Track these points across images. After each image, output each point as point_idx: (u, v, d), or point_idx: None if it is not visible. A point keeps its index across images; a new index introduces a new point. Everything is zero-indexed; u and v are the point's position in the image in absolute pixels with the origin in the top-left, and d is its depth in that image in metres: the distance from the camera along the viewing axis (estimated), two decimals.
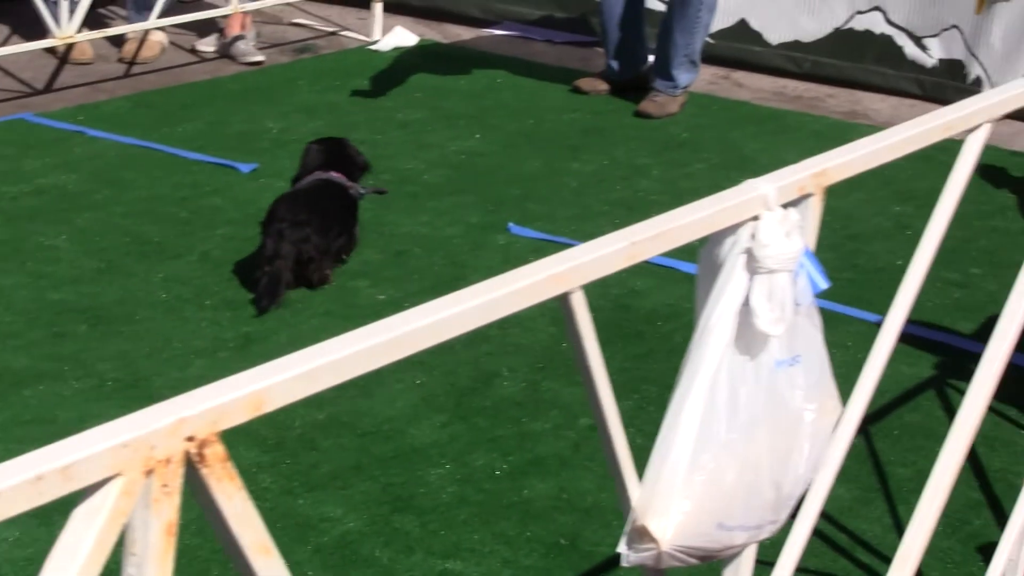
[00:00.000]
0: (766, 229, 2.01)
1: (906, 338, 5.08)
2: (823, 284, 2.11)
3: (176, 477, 1.42)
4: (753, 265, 2.02)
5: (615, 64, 7.69)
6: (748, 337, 2.06)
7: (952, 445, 2.67)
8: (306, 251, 5.28)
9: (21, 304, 5.12)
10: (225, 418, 1.46)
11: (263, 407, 1.49)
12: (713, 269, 2.06)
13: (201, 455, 1.44)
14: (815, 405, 2.17)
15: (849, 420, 2.36)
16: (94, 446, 1.35)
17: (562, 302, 1.82)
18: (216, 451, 1.46)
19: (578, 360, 1.92)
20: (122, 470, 1.37)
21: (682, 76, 7.48)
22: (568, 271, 1.78)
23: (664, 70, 7.48)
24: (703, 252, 2.10)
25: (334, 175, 5.70)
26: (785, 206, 2.06)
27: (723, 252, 2.05)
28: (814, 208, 2.14)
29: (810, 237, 2.14)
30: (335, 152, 5.84)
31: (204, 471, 1.45)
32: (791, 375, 2.12)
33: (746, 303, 2.04)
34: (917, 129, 2.29)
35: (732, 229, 2.02)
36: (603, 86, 7.72)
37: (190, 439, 1.43)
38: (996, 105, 2.43)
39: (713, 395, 2.05)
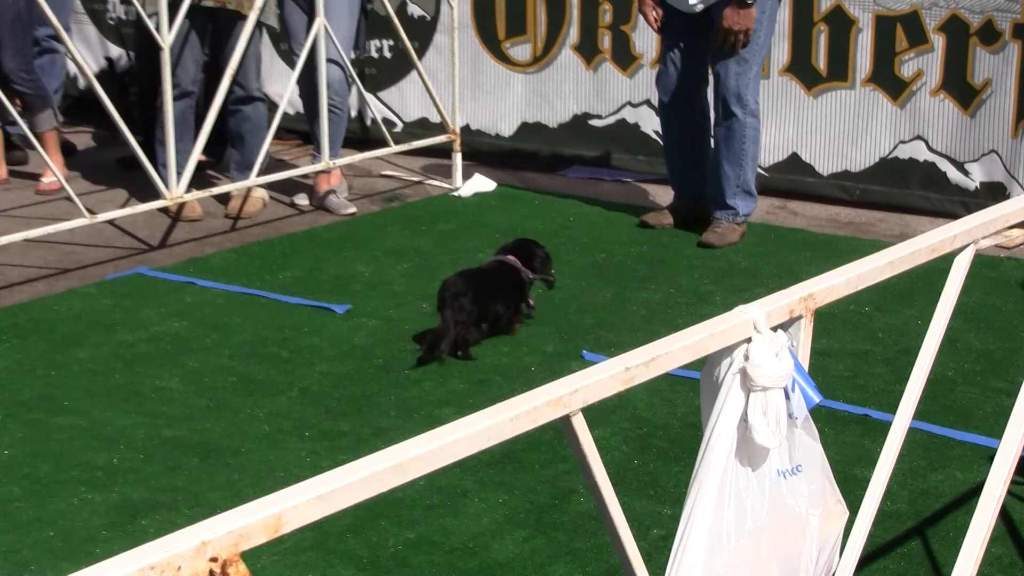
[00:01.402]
0: (757, 350, 2.04)
1: (959, 446, 5.10)
2: (816, 399, 2.13)
3: None
4: (748, 383, 2.05)
5: (679, 198, 7.73)
6: (749, 450, 2.08)
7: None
8: (460, 318, 5.92)
9: (139, 441, 5.19)
10: (245, 539, 1.50)
11: (281, 528, 1.53)
12: (713, 388, 2.09)
13: (225, 574, 1.48)
14: (819, 511, 2.18)
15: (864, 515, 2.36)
16: (123, 568, 1.40)
17: (563, 425, 1.85)
18: (239, 570, 1.49)
19: (585, 477, 1.94)
20: None
21: (740, 205, 7.50)
22: (567, 395, 1.81)
23: (719, 201, 7.51)
24: (704, 373, 2.13)
25: (510, 258, 6.35)
26: (777, 328, 2.09)
27: (721, 372, 2.08)
28: (805, 329, 2.16)
29: (803, 355, 2.17)
30: (521, 246, 6.50)
31: None
32: (793, 484, 2.14)
33: (744, 419, 2.06)
34: (903, 252, 2.31)
35: (728, 351, 2.05)
36: (668, 220, 7.75)
37: (213, 559, 1.46)
38: (978, 228, 2.44)
39: (720, 505, 2.07)
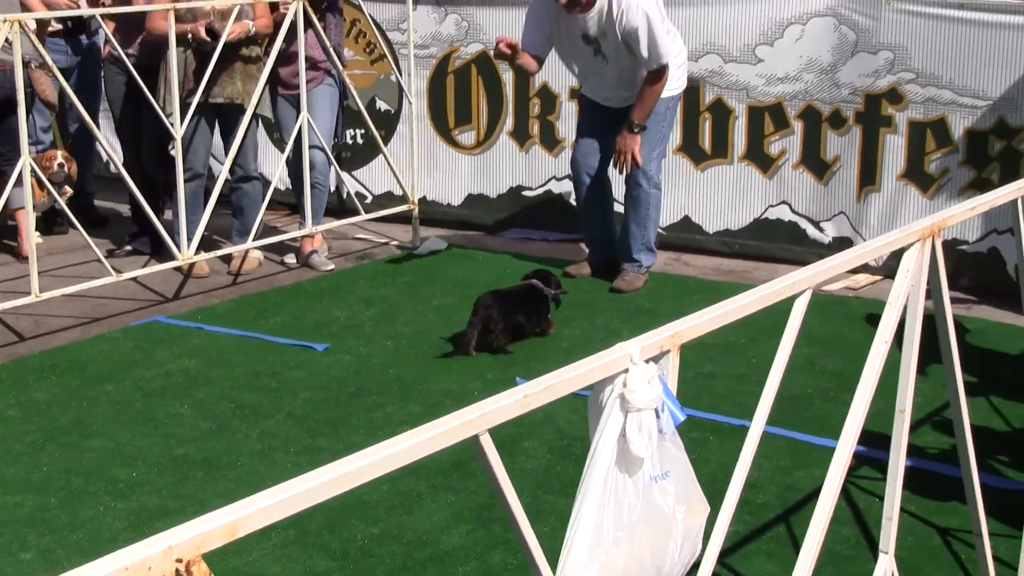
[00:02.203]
0: (633, 379, 2.03)
1: (817, 449, 5.11)
2: (681, 417, 2.12)
3: None
4: (626, 406, 2.04)
5: (594, 253, 7.73)
6: (626, 459, 2.07)
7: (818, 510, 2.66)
8: (489, 324, 6.33)
9: (154, 458, 5.14)
10: (206, 543, 1.47)
11: (237, 533, 1.50)
12: (598, 409, 2.08)
13: (188, 572, 1.45)
14: (684, 508, 2.17)
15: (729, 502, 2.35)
16: (101, 570, 1.37)
17: (473, 442, 1.83)
18: (201, 568, 1.46)
19: (493, 484, 1.92)
20: None
21: (644, 259, 7.52)
22: (477, 418, 1.79)
23: (628, 255, 7.52)
24: (591, 397, 2.12)
25: (534, 281, 6.74)
26: (650, 360, 2.08)
27: (604, 397, 2.07)
28: (673, 360, 2.15)
29: (671, 382, 2.16)
30: (540, 273, 6.89)
31: None
32: (663, 487, 2.13)
33: (623, 434, 2.05)
34: (752, 297, 2.30)
35: (609, 380, 2.04)
36: (586, 270, 7.74)
37: (179, 560, 1.44)
38: (815, 275, 2.44)
39: (602, 504, 2.05)
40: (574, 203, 8.36)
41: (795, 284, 2.41)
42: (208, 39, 7.25)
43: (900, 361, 3.18)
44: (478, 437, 1.81)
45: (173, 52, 7.00)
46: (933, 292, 2.99)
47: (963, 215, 2.94)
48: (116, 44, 7.26)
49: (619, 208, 7.83)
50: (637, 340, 2.09)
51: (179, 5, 7.13)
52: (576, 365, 1.99)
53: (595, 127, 7.51)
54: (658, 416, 2.08)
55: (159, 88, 7.42)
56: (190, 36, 7.30)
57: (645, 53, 7.03)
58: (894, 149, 7.51)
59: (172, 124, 7.09)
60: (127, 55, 7.25)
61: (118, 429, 5.44)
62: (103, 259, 6.94)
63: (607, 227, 7.68)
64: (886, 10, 7.40)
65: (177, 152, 7.16)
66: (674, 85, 7.34)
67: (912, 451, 5.15)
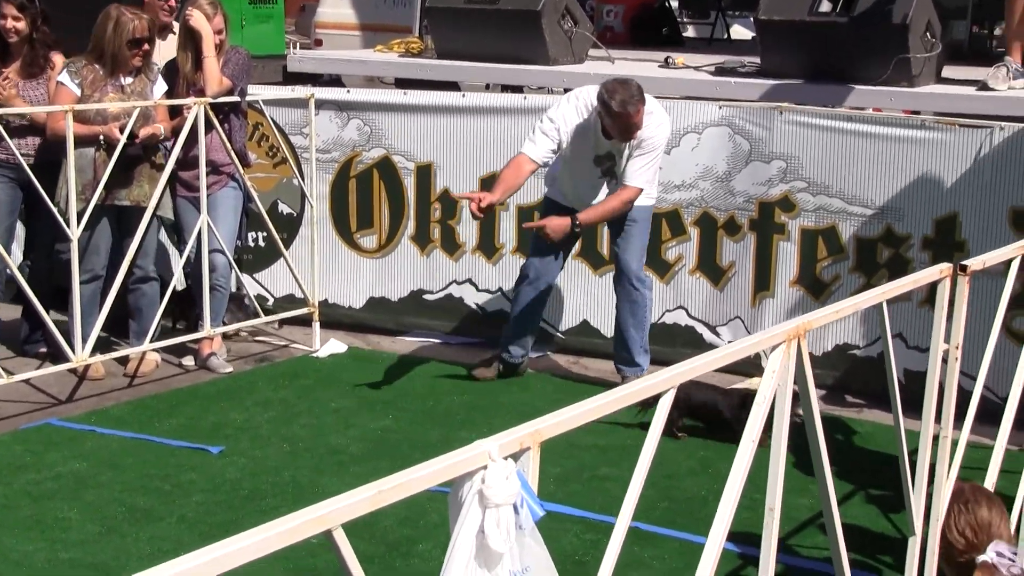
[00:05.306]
0: (491, 475, 2.08)
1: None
2: (540, 512, 2.17)
3: None
4: (484, 501, 2.08)
5: (513, 351, 7.73)
6: (486, 554, 2.11)
7: None
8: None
9: (39, 564, 5.08)
10: None
11: None
12: (458, 505, 2.12)
13: None
14: None
15: None
16: None
17: (327, 537, 1.86)
18: None
19: None
20: None
21: (644, 361, 7.52)
22: (329, 514, 1.82)
23: (629, 361, 7.51)
24: (451, 493, 2.16)
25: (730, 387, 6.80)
26: (509, 457, 2.13)
27: (463, 493, 2.11)
28: (533, 457, 2.20)
29: (532, 478, 2.21)
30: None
31: None
32: None
33: (481, 530, 2.09)
34: (613, 396, 2.37)
35: (468, 476, 2.09)
36: (491, 373, 7.73)
37: None
38: (676, 376, 2.51)
39: None
40: (475, 306, 8.45)
41: (657, 384, 2.48)
42: (121, 138, 7.24)
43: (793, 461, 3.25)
44: (331, 532, 1.84)
45: (71, 153, 7.00)
46: (801, 393, 3.08)
47: (827, 318, 3.04)
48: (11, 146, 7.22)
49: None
50: (496, 437, 2.15)
51: (78, 107, 7.15)
52: (434, 461, 2.04)
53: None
54: (517, 512, 2.13)
55: (59, 188, 7.41)
56: (102, 137, 7.32)
57: (636, 166, 7.09)
58: (787, 256, 7.68)
59: (68, 225, 7.08)
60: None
61: (3, 534, 5.37)
62: None
63: (535, 323, 7.72)
64: (779, 121, 7.62)
65: (73, 253, 7.12)
66: (654, 194, 7.40)
67: (793, 551, 5.24)
